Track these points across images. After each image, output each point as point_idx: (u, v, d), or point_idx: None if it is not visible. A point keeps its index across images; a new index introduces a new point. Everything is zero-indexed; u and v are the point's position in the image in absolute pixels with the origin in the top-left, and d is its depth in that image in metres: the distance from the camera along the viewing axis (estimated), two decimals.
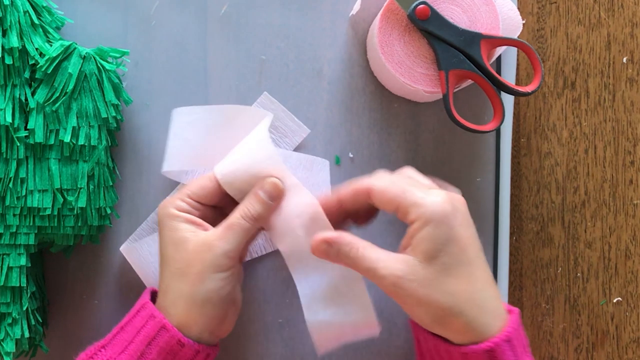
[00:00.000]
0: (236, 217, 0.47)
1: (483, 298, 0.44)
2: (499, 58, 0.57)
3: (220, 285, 0.46)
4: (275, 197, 0.48)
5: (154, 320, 0.46)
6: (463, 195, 0.46)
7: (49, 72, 0.48)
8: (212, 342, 0.48)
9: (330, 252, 0.46)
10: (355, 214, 0.50)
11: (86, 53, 0.49)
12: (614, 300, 0.60)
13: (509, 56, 0.57)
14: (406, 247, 0.45)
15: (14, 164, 0.48)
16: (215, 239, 0.46)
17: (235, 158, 0.49)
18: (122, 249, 0.54)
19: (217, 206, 0.50)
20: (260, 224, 0.48)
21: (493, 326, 0.44)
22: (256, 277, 0.56)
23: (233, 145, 0.51)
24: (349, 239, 0.46)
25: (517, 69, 0.59)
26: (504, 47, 0.54)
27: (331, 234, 0.46)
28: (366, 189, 0.46)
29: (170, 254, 0.47)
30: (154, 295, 0.49)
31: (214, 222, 0.48)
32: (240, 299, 0.50)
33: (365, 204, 0.47)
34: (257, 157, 0.49)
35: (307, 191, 0.48)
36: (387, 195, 0.45)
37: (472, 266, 0.44)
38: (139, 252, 0.53)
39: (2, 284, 0.48)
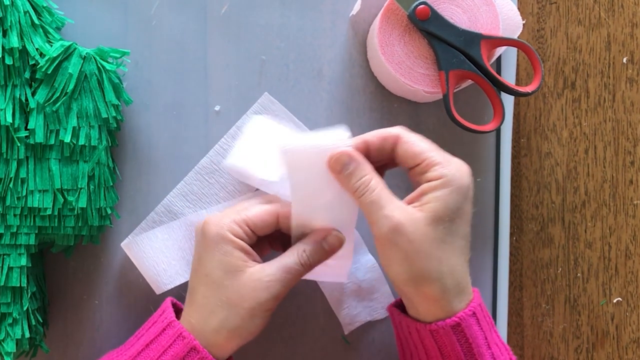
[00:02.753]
0: (294, 262, 0.47)
1: (462, 273, 0.45)
2: (499, 58, 0.57)
3: (266, 321, 0.47)
4: (336, 250, 0.48)
5: (183, 341, 0.45)
6: None
7: (49, 72, 0.48)
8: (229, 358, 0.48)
9: (346, 169, 0.45)
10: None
11: (86, 53, 0.49)
12: (614, 301, 0.60)
13: (509, 56, 0.57)
14: (411, 202, 0.45)
15: (15, 164, 0.48)
16: (270, 279, 0.46)
17: (307, 144, 0.47)
18: (123, 244, 0.54)
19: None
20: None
21: (460, 302, 0.45)
22: None
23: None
24: (368, 166, 0.46)
25: (517, 69, 0.59)
26: (504, 48, 0.54)
27: (355, 152, 0.46)
28: (395, 136, 0.46)
29: (220, 279, 0.46)
30: (174, 307, 0.49)
31: (255, 247, 0.48)
32: None
33: (388, 154, 0.47)
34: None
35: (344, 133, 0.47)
36: (414, 147, 0.45)
37: (463, 241, 0.45)
38: (140, 246, 0.53)
39: (2, 284, 0.48)
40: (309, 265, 0.47)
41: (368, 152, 0.47)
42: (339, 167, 0.45)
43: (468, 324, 0.44)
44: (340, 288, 0.55)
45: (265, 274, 0.46)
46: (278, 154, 0.48)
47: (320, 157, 0.46)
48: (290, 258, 0.47)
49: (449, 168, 0.44)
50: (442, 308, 0.44)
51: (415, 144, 0.46)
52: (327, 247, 0.48)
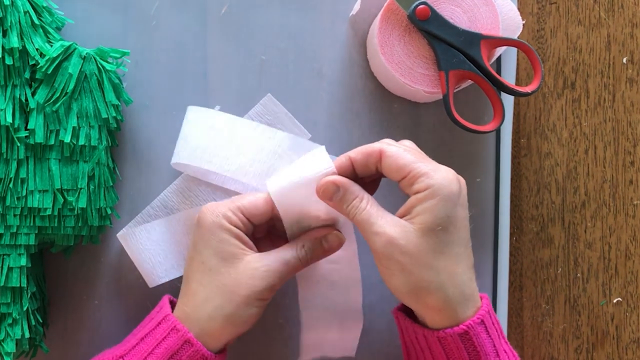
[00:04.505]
0: (293, 257, 0.47)
1: (464, 281, 0.45)
2: (499, 58, 0.57)
3: (260, 311, 0.47)
4: (335, 249, 0.49)
5: (177, 334, 0.45)
6: None
7: (49, 72, 0.48)
8: (223, 350, 0.48)
9: (336, 195, 0.46)
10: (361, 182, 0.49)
11: (86, 53, 0.49)
12: (614, 301, 0.60)
13: (509, 56, 0.57)
14: (403, 215, 0.45)
15: (14, 164, 0.48)
16: (267, 269, 0.46)
17: (293, 174, 0.48)
18: (119, 235, 0.53)
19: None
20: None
21: (467, 310, 0.45)
22: None
23: (241, 157, 0.51)
24: (356, 188, 0.46)
25: (517, 69, 0.59)
26: (504, 48, 0.54)
27: (342, 178, 0.46)
28: (378, 151, 0.46)
29: (216, 266, 0.46)
30: (171, 304, 0.49)
31: (252, 236, 0.49)
32: None
33: (374, 169, 0.47)
34: (314, 178, 0.48)
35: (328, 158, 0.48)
36: (399, 161, 0.45)
37: (461, 248, 0.45)
38: (137, 238, 0.53)
39: (2, 284, 0.48)
40: (306, 261, 0.48)
41: (353, 170, 0.47)
42: (329, 195, 0.46)
43: (476, 332, 0.44)
44: (319, 318, 0.55)
45: (263, 264, 0.46)
46: (267, 188, 0.48)
47: (307, 188, 0.47)
48: (288, 251, 0.47)
49: (435, 178, 0.44)
50: (448, 317, 0.44)
51: (399, 157, 0.45)
52: (326, 245, 0.48)
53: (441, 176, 0.44)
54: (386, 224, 0.44)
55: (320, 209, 0.48)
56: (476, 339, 0.44)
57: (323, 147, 0.49)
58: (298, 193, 0.48)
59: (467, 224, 0.46)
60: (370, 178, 0.49)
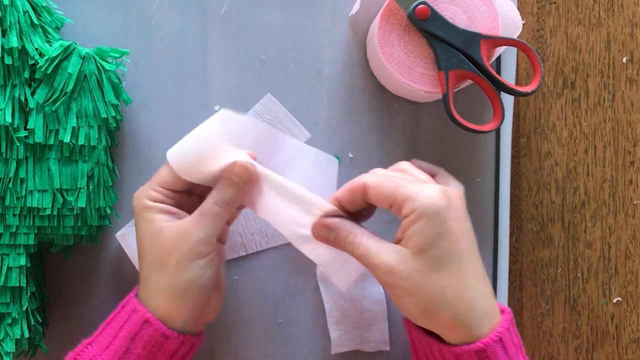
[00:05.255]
0: (209, 203, 0.47)
1: (473, 294, 0.44)
2: (498, 58, 0.57)
3: (200, 272, 0.46)
4: (247, 180, 0.48)
5: (136, 315, 0.46)
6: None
7: (48, 72, 0.48)
8: (197, 331, 0.48)
9: (329, 236, 0.47)
10: (356, 214, 0.50)
11: (86, 53, 0.49)
12: (614, 301, 0.60)
13: (509, 56, 0.57)
14: (399, 240, 0.45)
15: (14, 164, 0.48)
16: (190, 227, 0.46)
17: (185, 142, 0.48)
18: (118, 235, 0.54)
19: (193, 192, 0.50)
20: (235, 207, 0.48)
21: (484, 324, 0.44)
22: (256, 277, 0.56)
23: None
24: (348, 225, 0.47)
25: (517, 69, 0.59)
26: (503, 47, 0.54)
27: (331, 220, 0.47)
28: (362, 186, 0.47)
29: (147, 245, 0.47)
30: None
31: (192, 209, 0.48)
32: (224, 283, 0.50)
33: (363, 202, 0.48)
34: (205, 140, 0.48)
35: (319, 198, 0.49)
36: (381, 191, 0.46)
37: (463, 261, 0.44)
38: (134, 237, 0.53)
39: (2, 284, 0.48)
40: (225, 203, 0.47)
41: (343, 208, 0.48)
42: (321, 237, 0.48)
43: (493, 350, 0.43)
44: (342, 309, 0.56)
45: (184, 225, 0.46)
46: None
47: (198, 144, 0.47)
48: (206, 201, 0.47)
49: (418, 200, 0.44)
50: (463, 334, 0.44)
51: (381, 187, 0.46)
52: (235, 178, 0.48)
53: (424, 195, 0.44)
54: (383, 254, 0.45)
55: (224, 162, 0.48)
56: (493, 356, 0.43)
57: (216, 115, 0.48)
58: (196, 162, 0.47)
59: (467, 236, 0.45)
60: (366, 211, 0.50)
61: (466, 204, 0.46)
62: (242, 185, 0.48)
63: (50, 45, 0.49)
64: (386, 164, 0.56)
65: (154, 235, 0.47)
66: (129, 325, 0.46)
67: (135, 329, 0.46)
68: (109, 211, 0.52)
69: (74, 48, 0.49)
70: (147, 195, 0.47)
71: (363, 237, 0.46)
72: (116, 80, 0.51)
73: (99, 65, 0.50)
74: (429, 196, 0.44)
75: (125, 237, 0.53)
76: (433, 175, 0.52)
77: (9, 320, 0.49)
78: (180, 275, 0.46)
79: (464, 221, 0.45)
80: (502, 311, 0.46)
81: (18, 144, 0.48)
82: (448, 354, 0.45)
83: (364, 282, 0.56)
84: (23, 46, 0.48)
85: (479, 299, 0.44)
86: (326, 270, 0.51)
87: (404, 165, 0.50)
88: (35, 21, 0.49)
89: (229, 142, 0.49)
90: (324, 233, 0.47)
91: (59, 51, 0.48)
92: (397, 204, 0.45)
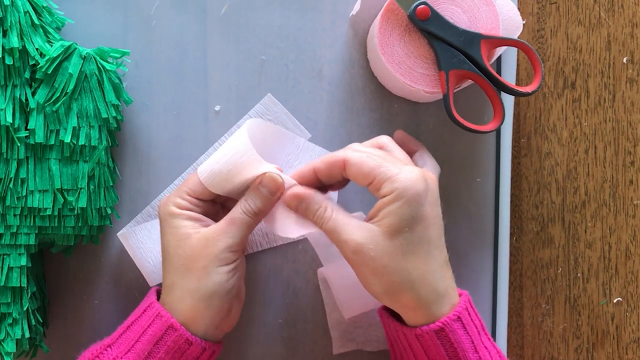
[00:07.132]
0: (238, 212, 0.48)
1: (436, 278, 0.45)
2: (499, 58, 0.57)
3: (226, 278, 0.47)
4: (275, 191, 0.48)
5: (161, 320, 0.46)
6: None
7: (49, 72, 0.48)
8: (217, 338, 0.49)
9: (299, 207, 0.48)
10: (328, 185, 0.50)
11: (86, 53, 0.49)
12: (614, 301, 0.60)
13: (509, 56, 0.57)
14: (372, 217, 0.46)
15: (15, 164, 0.48)
16: (218, 234, 0.47)
17: (217, 159, 0.49)
18: (120, 234, 0.54)
19: (217, 201, 0.51)
20: (261, 218, 0.49)
21: (444, 306, 0.45)
22: (256, 277, 0.56)
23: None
24: (319, 198, 0.47)
25: (517, 69, 0.59)
26: (504, 48, 0.54)
27: (303, 190, 0.48)
28: (341, 161, 0.47)
29: (174, 251, 0.47)
30: (158, 294, 0.50)
31: (216, 217, 0.49)
32: (244, 291, 0.51)
33: (340, 176, 0.48)
34: (237, 156, 0.48)
35: (287, 177, 0.49)
36: (362, 169, 0.46)
37: (432, 246, 0.45)
38: (137, 236, 0.53)
39: (2, 284, 0.48)
40: (253, 212, 0.48)
41: (317, 179, 0.49)
42: (293, 207, 0.48)
43: (452, 328, 0.45)
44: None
45: (212, 231, 0.47)
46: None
47: (229, 167, 0.48)
48: (234, 210, 0.48)
49: (399, 181, 0.44)
50: (423, 315, 0.45)
51: (362, 164, 0.46)
52: (264, 190, 0.48)
53: (405, 178, 0.45)
54: (353, 230, 0.45)
55: (253, 174, 0.49)
56: (452, 335, 0.45)
57: (245, 128, 0.49)
58: (226, 176, 0.48)
59: (437, 221, 0.46)
60: (340, 184, 0.50)
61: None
62: (269, 196, 0.48)
63: (51, 46, 0.49)
64: None
65: (181, 241, 0.47)
66: (152, 330, 0.46)
67: (159, 334, 0.46)
68: (109, 211, 0.52)
69: (75, 48, 0.49)
70: (174, 202, 0.48)
71: (333, 212, 0.46)
72: (117, 81, 0.51)
73: (99, 65, 0.50)
74: (409, 179, 0.45)
75: (128, 237, 0.53)
76: (413, 151, 0.52)
77: (10, 321, 0.49)
78: (207, 280, 0.46)
79: (437, 206, 0.46)
80: (460, 294, 0.47)
81: (19, 144, 0.48)
82: (410, 336, 0.46)
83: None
84: (24, 46, 0.48)
85: (441, 282, 0.45)
86: (336, 294, 0.52)
87: (384, 139, 0.50)
88: (36, 21, 0.49)
89: (256, 150, 0.49)
90: (294, 203, 0.48)
91: (60, 51, 0.48)
92: (376, 183, 0.45)
